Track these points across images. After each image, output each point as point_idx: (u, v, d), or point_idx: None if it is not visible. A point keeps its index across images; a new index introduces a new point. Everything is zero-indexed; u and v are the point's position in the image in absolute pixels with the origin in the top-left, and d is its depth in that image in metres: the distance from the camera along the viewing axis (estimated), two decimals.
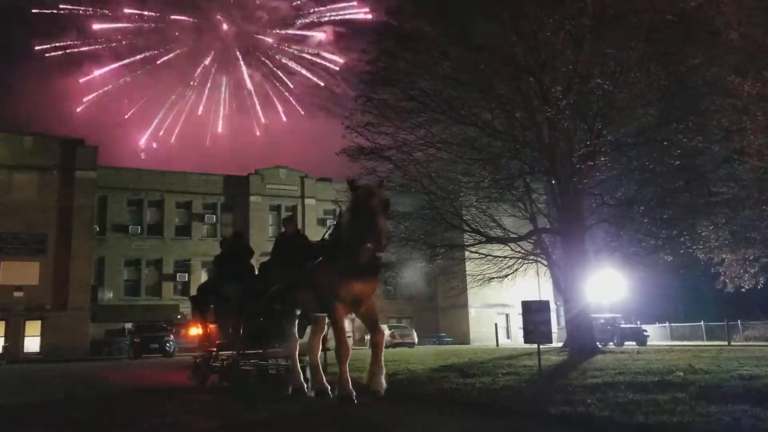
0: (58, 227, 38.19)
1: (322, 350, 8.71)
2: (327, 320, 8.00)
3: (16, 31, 67.56)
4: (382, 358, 6.77)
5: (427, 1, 22.01)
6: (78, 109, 68.69)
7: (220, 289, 10.16)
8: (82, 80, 69.36)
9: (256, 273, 10.23)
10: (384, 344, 6.87)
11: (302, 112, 76.94)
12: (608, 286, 25.36)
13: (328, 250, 6.96)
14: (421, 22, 22.17)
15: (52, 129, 57.58)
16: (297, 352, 8.39)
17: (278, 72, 77.12)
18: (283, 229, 9.83)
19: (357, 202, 6.25)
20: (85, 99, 69.91)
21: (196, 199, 46.08)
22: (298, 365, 8.35)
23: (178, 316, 41.71)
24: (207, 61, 75.08)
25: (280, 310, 8.53)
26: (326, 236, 7.80)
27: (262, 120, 77.19)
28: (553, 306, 34.53)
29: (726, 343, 31.61)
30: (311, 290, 7.28)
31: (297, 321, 8.53)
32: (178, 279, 44.37)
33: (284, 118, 74.90)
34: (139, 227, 44.18)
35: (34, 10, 66.52)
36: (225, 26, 76.11)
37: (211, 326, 10.63)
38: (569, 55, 19.03)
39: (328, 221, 48.28)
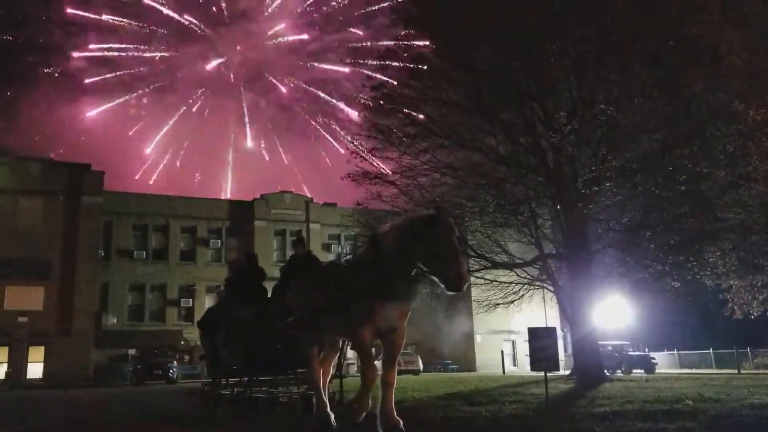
0: (63, 252, 38.24)
1: (336, 376, 8.39)
2: (340, 345, 7.79)
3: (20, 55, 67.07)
4: (393, 398, 6.45)
5: (430, 28, 22.22)
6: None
7: (230, 313, 9.92)
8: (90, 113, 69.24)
9: (269, 296, 9.93)
10: (395, 382, 6.57)
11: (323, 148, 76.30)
12: (615, 312, 25.19)
13: (363, 271, 6.59)
14: (424, 48, 22.41)
15: (57, 154, 57.19)
16: (321, 380, 7.72)
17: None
18: (293, 251, 9.68)
19: (439, 234, 5.90)
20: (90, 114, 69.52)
21: (201, 224, 46.15)
22: (323, 394, 7.64)
23: (182, 342, 41.54)
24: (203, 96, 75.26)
25: (300, 335, 7.96)
26: (350, 257, 7.57)
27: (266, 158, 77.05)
28: (560, 333, 34.35)
29: (736, 371, 31.24)
30: (339, 313, 6.84)
31: (317, 346, 7.92)
32: (182, 304, 44.26)
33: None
34: (144, 252, 44.19)
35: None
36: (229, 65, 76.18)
37: (221, 352, 10.42)
38: (572, 81, 19.13)
39: (332, 246, 48.28)
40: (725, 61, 17.49)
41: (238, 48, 76.98)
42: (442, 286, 5.85)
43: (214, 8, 75.25)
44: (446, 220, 6.07)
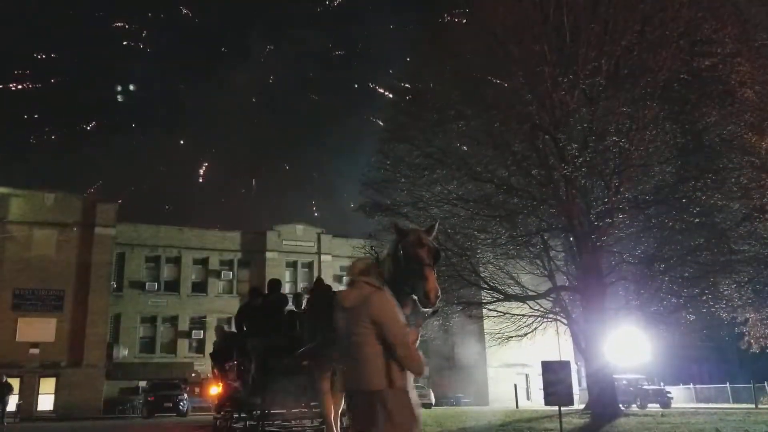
0: (76, 283, 38.35)
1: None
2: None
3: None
4: None
5: (441, 62, 22.42)
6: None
7: (244, 344, 9.74)
8: None
9: (288, 326, 9.73)
10: None
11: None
12: (630, 345, 24.84)
13: None
14: (435, 81, 22.57)
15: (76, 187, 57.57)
16: (332, 412, 7.60)
17: None
18: (312, 286, 9.59)
19: (404, 251, 5.64)
20: None
21: (213, 256, 46.23)
22: (335, 428, 7.54)
23: (192, 374, 41.33)
24: None
25: (312, 367, 7.94)
26: None
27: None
28: (573, 366, 33.86)
29: (753, 405, 30.60)
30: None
31: (330, 378, 7.82)
32: (193, 336, 44.12)
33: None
34: (156, 283, 44.24)
35: None
36: None
37: (233, 384, 10.31)
38: (584, 114, 19.17)
39: (343, 278, 48.15)
40: (737, 93, 17.50)
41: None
42: (419, 305, 5.75)
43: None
44: (408, 235, 5.77)
